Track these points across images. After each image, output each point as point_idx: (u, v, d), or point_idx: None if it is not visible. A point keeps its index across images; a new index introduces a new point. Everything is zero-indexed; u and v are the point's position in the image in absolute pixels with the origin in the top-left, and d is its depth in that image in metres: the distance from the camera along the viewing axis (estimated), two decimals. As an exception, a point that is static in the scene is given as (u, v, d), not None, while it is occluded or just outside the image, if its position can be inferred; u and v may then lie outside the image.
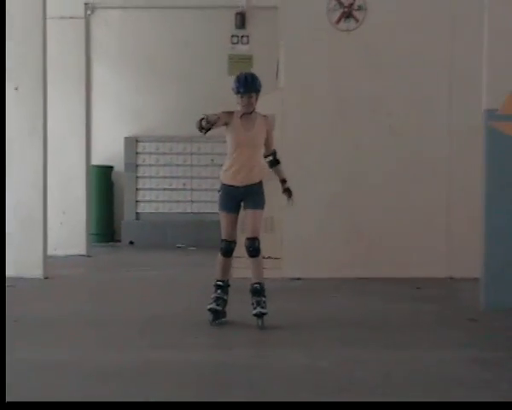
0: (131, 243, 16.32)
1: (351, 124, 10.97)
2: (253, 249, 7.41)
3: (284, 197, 7.66)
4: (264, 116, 7.57)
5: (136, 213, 16.55)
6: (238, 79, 7.41)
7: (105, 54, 16.30)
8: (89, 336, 7.26)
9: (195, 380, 5.71)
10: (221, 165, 7.75)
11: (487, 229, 8.50)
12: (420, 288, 10.01)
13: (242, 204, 7.49)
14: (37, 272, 10.70)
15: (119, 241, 16.53)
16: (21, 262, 10.63)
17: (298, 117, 10.97)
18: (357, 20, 10.99)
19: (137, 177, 16.45)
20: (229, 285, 7.62)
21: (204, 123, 7.05)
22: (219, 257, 7.56)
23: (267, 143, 7.54)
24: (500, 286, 8.41)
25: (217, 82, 14.99)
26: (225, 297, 7.56)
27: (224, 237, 7.51)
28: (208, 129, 7.10)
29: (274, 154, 7.63)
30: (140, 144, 16.45)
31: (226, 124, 7.43)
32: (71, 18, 13.90)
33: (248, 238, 7.43)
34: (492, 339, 7.15)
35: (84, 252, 13.97)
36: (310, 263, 10.85)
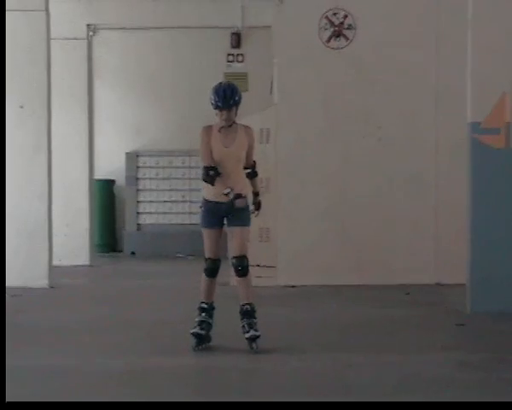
0: (133, 253, 16.35)
1: (342, 137, 11.15)
2: (242, 268, 6.89)
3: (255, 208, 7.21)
4: (246, 127, 7.09)
5: (137, 224, 16.57)
6: (216, 93, 6.84)
7: (106, 73, 16.40)
8: (93, 342, 7.44)
9: (193, 384, 5.93)
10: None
11: (473, 237, 8.72)
12: (409, 294, 10.14)
13: (226, 221, 6.97)
14: (42, 281, 10.81)
15: (121, 251, 16.56)
16: (28, 272, 10.72)
17: (291, 131, 11.12)
18: (347, 39, 11.19)
19: (138, 190, 16.49)
20: (213, 308, 7.08)
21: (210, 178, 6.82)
22: (203, 278, 7.01)
23: (248, 155, 7.05)
24: (486, 291, 8.63)
25: (213, 99, 15.03)
26: (210, 321, 7.03)
27: (208, 255, 6.96)
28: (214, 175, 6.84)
29: (253, 167, 7.16)
30: (140, 159, 16.50)
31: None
32: (74, 39, 13.98)
33: (236, 257, 6.90)
34: (479, 342, 7.35)
35: (87, 262, 14.00)
36: (303, 271, 10.99)
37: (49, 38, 11.06)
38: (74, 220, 13.97)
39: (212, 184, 6.86)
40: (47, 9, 11.01)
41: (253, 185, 7.23)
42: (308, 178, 11.19)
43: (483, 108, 8.60)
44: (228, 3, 15.17)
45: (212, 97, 6.84)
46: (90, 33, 14.73)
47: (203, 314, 7.01)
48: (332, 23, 11.22)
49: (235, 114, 6.93)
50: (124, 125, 16.73)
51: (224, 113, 6.84)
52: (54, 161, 11.28)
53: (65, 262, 13.40)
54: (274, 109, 11.36)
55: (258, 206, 7.20)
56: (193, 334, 6.94)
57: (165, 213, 16.53)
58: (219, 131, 6.91)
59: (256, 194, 7.23)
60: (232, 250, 7.03)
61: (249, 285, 6.96)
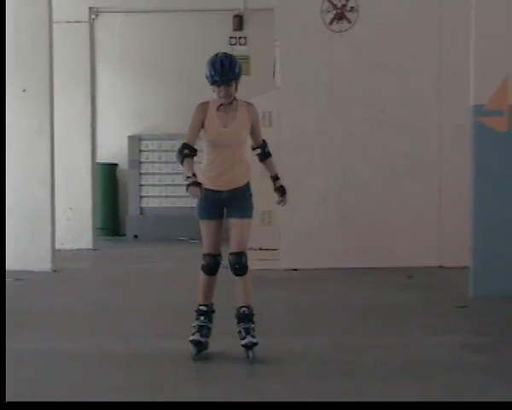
0: (136, 236, 16.44)
1: (344, 121, 11.13)
2: (240, 266, 6.04)
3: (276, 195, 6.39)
4: (248, 104, 6.19)
5: (140, 207, 16.65)
6: (213, 66, 5.95)
7: (109, 56, 16.42)
8: (95, 325, 7.46)
9: (198, 367, 5.90)
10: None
11: (476, 220, 8.71)
12: (412, 277, 10.15)
13: (225, 211, 6.16)
14: (45, 265, 10.85)
15: (124, 235, 16.66)
16: (31, 256, 10.76)
17: (293, 115, 11.12)
18: (349, 21, 11.16)
19: (141, 173, 16.57)
20: (214, 311, 6.26)
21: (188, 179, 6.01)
22: (202, 276, 6.19)
23: (253, 134, 6.21)
24: (488, 274, 8.63)
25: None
26: (210, 326, 6.18)
27: (207, 250, 6.15)
28: (188, 155, 6.08)
29: (263, 146, 6.28)
30: (143, 142, 16.57)
31: (203, 123, 6.08)
32: (76, 22, 14.01)
33: (234, 253, 6.05)
34: (482, 325, 7.35)
35: (90, 246, 14.09)
36: (306, 254, 11.01)
37: (51, 22, 11.05)
38: (77, 204, 14.03)
39: (181, 164, 6.14)
40: (49, -8, 11.00)
41: (269, 168, 6.33)
42: (311, 162, 11.19)
43: (486, 91, 8.57)
44: (230, -14, 15.24)
45: (208, 71, 5.97)
46: (92, 16, 14.78)
47: (202, 318, 6.15)
48: (334, 5, 11.20)
49: (236, 89, 6.06)
50: (126, 108, 16.76)
51: (222, 88, 5.96)
52: (56, 144, 11.27)
53: (68, 246, 13.50)
54: (276, 92, 11.34)
55: (281, 192, 6.30)
56: (193, 341, 6.10)
57: (167, 196, 16.59)
58: (217, 109, 6.05)
59: (275, 178, 6.31)
60: (230, 245, 6.14)
61: (248, 285, 6.12)
